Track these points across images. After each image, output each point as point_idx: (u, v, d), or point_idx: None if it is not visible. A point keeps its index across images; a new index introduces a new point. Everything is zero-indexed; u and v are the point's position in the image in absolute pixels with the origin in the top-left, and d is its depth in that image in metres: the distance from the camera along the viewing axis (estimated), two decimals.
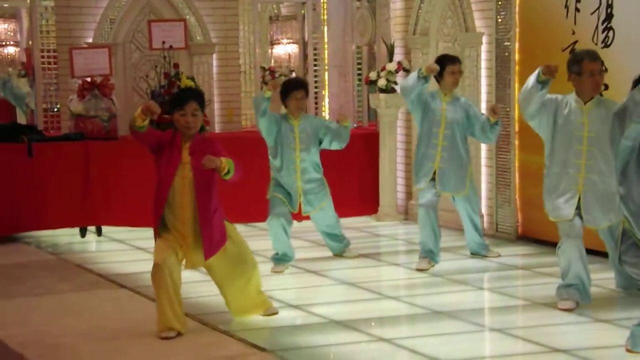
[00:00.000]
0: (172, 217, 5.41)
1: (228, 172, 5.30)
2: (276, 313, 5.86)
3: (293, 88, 7.28)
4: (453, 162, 7.26)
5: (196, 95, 5.51)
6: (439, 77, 7.28)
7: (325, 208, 7.45)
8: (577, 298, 5.94)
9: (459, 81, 7.34)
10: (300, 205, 7.32)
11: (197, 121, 5.43)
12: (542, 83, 5.94)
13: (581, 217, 6.01)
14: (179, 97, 5.53)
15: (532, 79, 5.97)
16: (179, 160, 5.39)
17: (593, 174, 5.97)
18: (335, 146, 7.45)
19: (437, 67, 7.05)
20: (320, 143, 7.40)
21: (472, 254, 7.64)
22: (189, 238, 5.42)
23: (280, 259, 7.26)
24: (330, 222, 7.55)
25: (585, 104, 6.02)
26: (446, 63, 7.24)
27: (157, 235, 5.47)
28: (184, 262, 5.54)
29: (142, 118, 5.27)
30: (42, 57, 10.00)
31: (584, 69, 5.93)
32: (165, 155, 5.40)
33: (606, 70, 6.91)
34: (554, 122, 6.04)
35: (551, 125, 6.05)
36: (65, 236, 8.96)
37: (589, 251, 6.18)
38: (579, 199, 5.99)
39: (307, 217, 7.71)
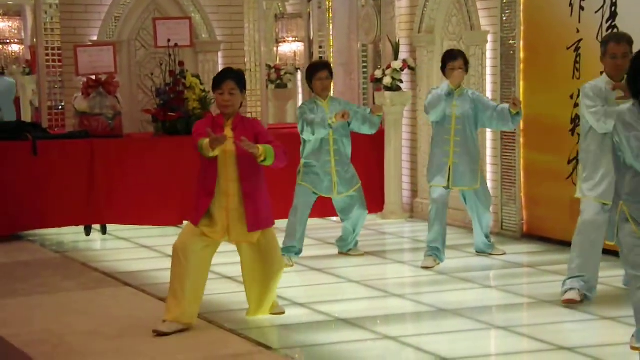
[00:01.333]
0: (219, 192, 5.45)
1: (265, 159, 5.38)
2: (283, 313, 5.86)
3: (316, 69, 7.44)
4: (466, 156, 7.25)
5: (234, 75, 5.57)
6: (444, 73, 7.30)
7: (356, 195, 7.52)
8: (582, 289, 5.93)
9: (462, 77, 7.29)
10: (335, 186, 7.41)
11: (234, 99, 5.51)
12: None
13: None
14: (216, 77, 5.60)
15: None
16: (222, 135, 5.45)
17: None
18: (366, 130, 7.56)
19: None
20: (348, 125, 7.48)
21: (477, 252, 7.63)
22: (234, 212, 5.46)
23: (287, 249, 7.27)
24: (359, 216, 7.58)
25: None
26: (447, 61, 7.25)
27: (195, 218, 5.46)
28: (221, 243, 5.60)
29: (209, 150, 5.31)
30: (47, 54, 10.00)
31: (607, 50, 5.91)
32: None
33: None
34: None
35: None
36: (70, 234, 8.96)
37: None
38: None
39: (319, 215, 7.71)
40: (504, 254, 7.58)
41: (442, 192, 7.26)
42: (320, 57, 10.72)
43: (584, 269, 5.95)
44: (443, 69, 7.29)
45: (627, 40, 5.98)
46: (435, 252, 7.24)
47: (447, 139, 7.24)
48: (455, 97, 7.26)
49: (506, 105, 7.23)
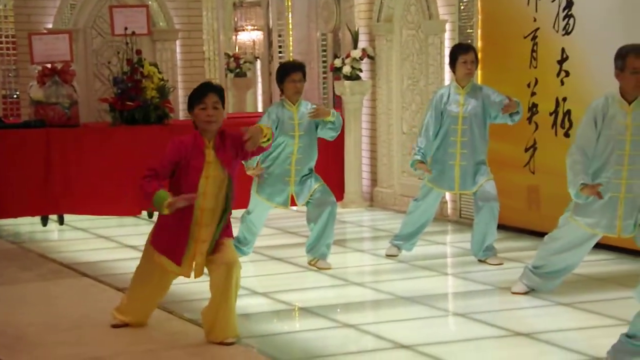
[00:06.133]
0: (194, 222, 5.14)
1: (268, 139, 5.15)
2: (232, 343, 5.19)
3: (289, 70, 6.79)
4: (474, 156, 6.82)
5: (216, 89, 5.19)
6: (453, 68, 6.87)
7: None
8: (533, 284, 5.95)
9: (473, 72, 6.85)
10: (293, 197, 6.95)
11: (218, 115, 5.09)
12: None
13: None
14: (197, 91, 5.19)
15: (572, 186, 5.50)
16: (203, 161, 5.09)
17: (635, 179, 5.51)
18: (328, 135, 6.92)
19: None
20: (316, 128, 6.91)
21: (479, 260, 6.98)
22: (206, 244, 5.12)
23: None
24: None
25: (629, 104, 5.46)
26: (458, 53, 6.82)
27: (177, 258, 5.18)
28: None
29: (165, 208, 5.01)
30: (1, 42, 9.87)
31: (627, 64, 5.37)
32: (184, 163, 5.08)
33: None
34: (596, 129, 5.51)
35: (595, 134, 5.52)
36: (27, 225, 8.87)
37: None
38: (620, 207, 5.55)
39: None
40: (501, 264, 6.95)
41: (434, 196, 6.93)
42: (280, 46, 10.70)
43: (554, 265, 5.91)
44: (453, 63, 6.83)
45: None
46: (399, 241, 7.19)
47: (453, 140, 6.77)
48: (465, 94, 6.81)
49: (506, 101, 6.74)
